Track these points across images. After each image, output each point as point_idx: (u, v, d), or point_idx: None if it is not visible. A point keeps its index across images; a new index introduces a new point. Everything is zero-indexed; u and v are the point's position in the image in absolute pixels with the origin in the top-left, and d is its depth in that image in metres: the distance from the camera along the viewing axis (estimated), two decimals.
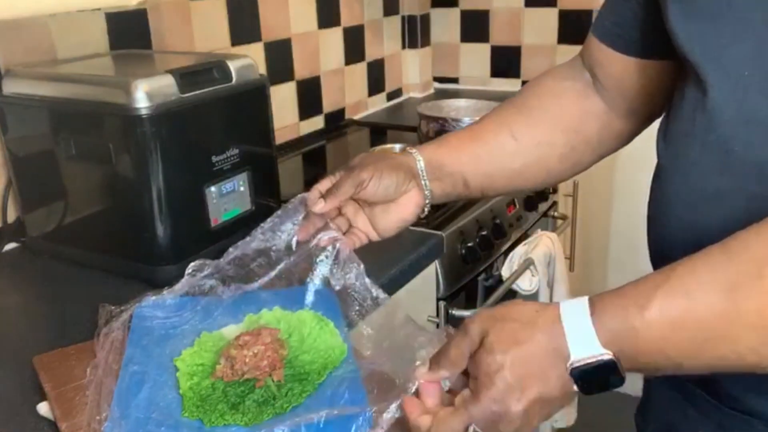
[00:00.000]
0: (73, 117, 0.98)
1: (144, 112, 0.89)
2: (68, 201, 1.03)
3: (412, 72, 2.23)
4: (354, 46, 1.95)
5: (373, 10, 2.01)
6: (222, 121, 1.01)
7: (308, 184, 1.53)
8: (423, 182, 0.80)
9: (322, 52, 1.83)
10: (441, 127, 1.58)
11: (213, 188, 1.00)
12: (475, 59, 2.22)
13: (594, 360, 0.52)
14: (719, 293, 0.49)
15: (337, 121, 1.92)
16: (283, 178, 1.17)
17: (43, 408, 0.70)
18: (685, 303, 0.50)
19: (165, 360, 0.71)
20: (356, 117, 1.99)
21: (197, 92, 0.96)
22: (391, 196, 0.78)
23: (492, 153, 0.82)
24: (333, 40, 1.87)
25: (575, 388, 0.53)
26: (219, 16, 1.50)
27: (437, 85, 2.32)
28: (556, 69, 0.87)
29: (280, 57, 1.69)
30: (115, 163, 0.94)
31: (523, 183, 0.86)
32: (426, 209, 0.82)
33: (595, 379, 0.52)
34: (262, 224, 0.78)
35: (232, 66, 1.02)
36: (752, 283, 0.48)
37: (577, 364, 0.52)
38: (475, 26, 2.20)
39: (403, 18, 2.16)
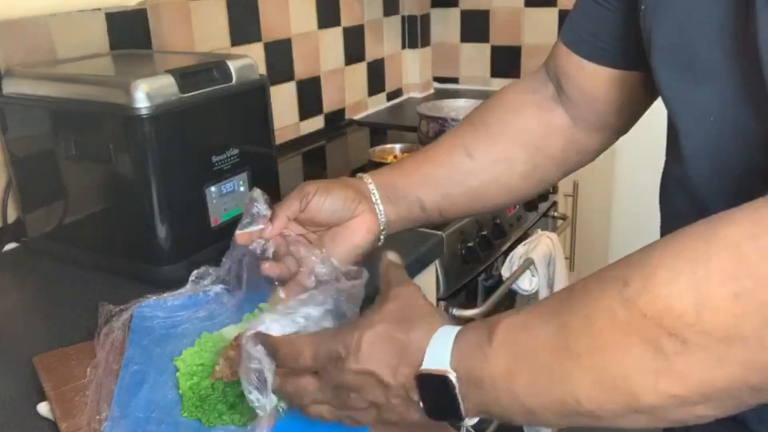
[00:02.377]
0: (73, 117, 0.98)
1: (144, 112, 0.89)
2: (68, 201, 1.03)
3: (412, 72, 2.23)
4: (354, 46, 1.95)
5: (373, 10, 2.01)
6: (222, 121, 1.01)
7: None
8: (375, 205, 0.75)
9: (322, 52, 1.83)
10: (441, 127, 1.58)
11: (213, 188, 1.00)
12: (475, 59, 2.22)
13: (438, 373, 0.50)
14: (554, 328, 0.47)
15: (337, 121, 1.92)
16: (283, 178, 1.17)
17: (43, 408, 0.70)
18: (525, 335, 0.48)
19: (165, 360, 0.71)
20: (356, 117, 1.99)
21: (197, 92, 0.96)
22: (339, 214, 0.72)
23: (447, 173, 0.78)
24: (333, 40, 1.87)
25: (416, 397, 0.51)
26: (219, 16, 1.50)
27: (437, 85, 2.32)
28: (518, 82, 0.84)
29: (280, 57, 1.69)
30: (115, 163, 0.94)
31: (485, 203, 0.82)
32: (382, 236, 0.76)
33: (434, 396, 0.50)
34: (236, 229, 0.75)
35: (232, 66, 1.02)
36: (584, 322, 0.45)
37: (422, 372, 0.50)
38: (475, 26, 2.20)
39: (403, 18, 2.16)
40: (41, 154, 1.02)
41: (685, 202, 0.63)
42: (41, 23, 1.14)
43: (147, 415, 0.64)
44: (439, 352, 0.51)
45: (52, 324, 0.90)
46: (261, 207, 0.73)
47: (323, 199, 0.72)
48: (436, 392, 0.50)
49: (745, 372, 0.41)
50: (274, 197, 1.17)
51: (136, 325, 0.77)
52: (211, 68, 1.00)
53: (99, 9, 1.22)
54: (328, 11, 1.82)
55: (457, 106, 1.77)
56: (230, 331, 0.75)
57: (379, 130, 1.90)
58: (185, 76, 0.95)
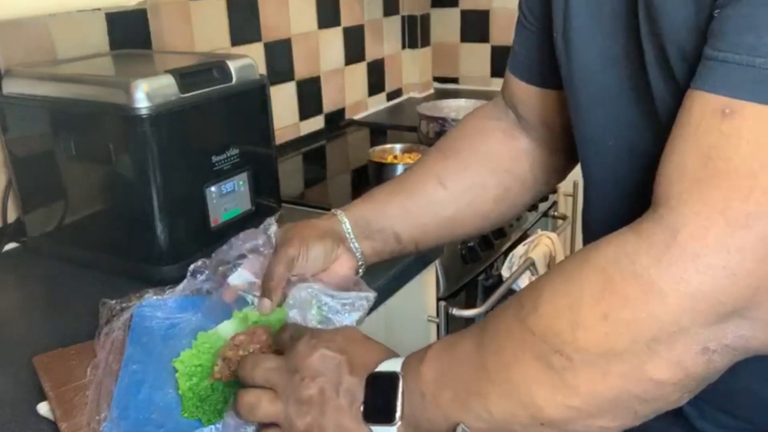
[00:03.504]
0: (73, 117, 0.98)
1: (144, 112, 0.89)
2: (68, 201, 1.03)
3: (412, 72, 2.23)
4: (354, 46, 1.95)
5: (373, 10, 2.01)
6: (222, 121, 1.01)
7: (308, 184, 1.54)
8: (352, 244, 0.77)
9: (322, 52, 1.83)
10: (441, 127, 1.58)
11: (213, 188, 1.00)
12: (475, 59, 2.22)
13: (386, 371, 0.54)
14: (473, 346, 0.51)
15: (337, 121, 1.92)
16: (283, 178, 1.17)
17: (43, 408, 0.70)
18: (451, 352, 0.53)
19: (164, 360, 0.71)
20: (356, 117, 1.99)
21: (197, 92, 0.96)
22: (321, 266, 0.75)
23: (421, 203, 0.79)
24: (333, 40, 1.87)
25: (362, 397, 0.54)
26: (219, 16, 1.50)
27: (437, 85, 2.32)
28: (481, 109, 0.86)
29: (280, 57, 1.69)
30: (115, 163, 0.94)
31: (460, 231, 0.83)
32: (360, 270, 0.78)
33: (379, 396, 0.53)
34: (238, 235, 0.77)
35: (232, 66, 1.02)
36: (493, 340, 0.50)
37: (376, 372, 0.55)
38: (475, 26, 2.20)
39: (403, 18, 2.16)
40: (41, 154, 1.02)
41: (598, 228, 0.68)
42: (41, 23, 1.14)
43: (146, 416, 0.64)
44: (392, 363, 0.55)
45: (52, 324, 0.90)
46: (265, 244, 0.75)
47: (305, 258, 0.73)
48: (381, 392, 0.54)
49: (627, 384, 0.44)
50: (274, 197, 1.17)
51: (135, 324, 0.76)
52: (211, 68, 1.00)
53: (99, 9, 1.22)
54: (328, 11, 1.82)
55: (457, 106, 1.77)
56: (225, 329, 0.74)
57: (379, 130, 1.89)
58: (185, 76, 0.95)
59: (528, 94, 0.77)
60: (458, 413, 0.50)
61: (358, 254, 0.78)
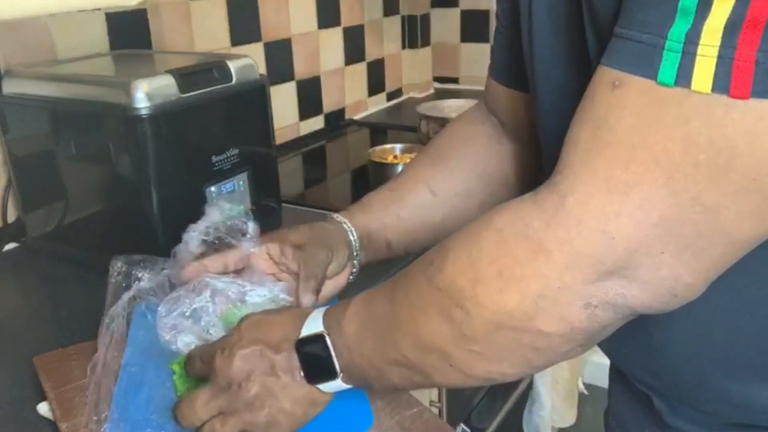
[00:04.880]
0: (73, 117, 0.98)
1: (144, 112, 0.89)
2: (68, 201, 1.03)
3: (412, 72, 2.23)
4: (354, 46, 1.95)
5: (373, 10, 2.01)
6: (222, 121, 1.01)
7: (308, 184, 1.54)
8: (354, 253, 0.80)
9: (322, 52, 1.83)
10: (441, 127, 1.58)
11: (213, 188, 1.00)
12: (475, 59, 2.22)
13: (314, 334, 0.57)
14: (387, 300, 0.55)
15: (337, 121, 1.92)
16: (283, 178, 1.17)
17: (43, 408, 0.70)
18: (369, 306, 0.57)
19: (163, 360, 0.71)
20: (356, 117, 1.99)
21: (197, 92, 0.96)
22: (341, 271, 0.78)
23: (412, 211, 0.82)
24: (333, 40, 1.87)
25: (298, 364, 0.57)
26: (219, 16, 1.50)
27: (437, 85, 2.32)
28: (465, 115, 0.87)
29: (280, 57, 1.69)
30: (115, 163, 0.94)
31: (446, 236, 0.85)
32: (352, 278, 0.81)
33: (313, 358, 0.57)
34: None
35: (232, 66, 1.02)
36: (403, 295, 0.54)
37: (302, 337, 0.58)
38: (475, 26, 2.20)
39: (403, 18, 2.16)
40: (41, 154, 1.02)
41: None
42: (41, 23, 1.14)
43: (146, 417, 0.64)
44: (313, 323, 0.59)
45: (52, 324, 0.90)
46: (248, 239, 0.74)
47: (336, 264, 0.77)
48: (314, 354, 0.57)
49: (518, 335, 0.48)
50: (274, 197, 1.17)
51: (135, 322, 0.76)
52: (211, 68, 1.00)
53: (99, 9, 1.22)
54: (328, 11, 1.82)
55: (457, 106, 1.77)
56: (216, 332, 0.74)
57: (379, 130, 1.89)
58: (185, 76, 0.95)
59: (508, 98, 0.79)
60: (381, 360, 0.55)
61: (356, 262, 0.80)
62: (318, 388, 0.58)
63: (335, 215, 0.81)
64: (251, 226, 0.75)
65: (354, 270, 0.81)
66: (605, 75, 0.44)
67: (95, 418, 0.64)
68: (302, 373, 0.58)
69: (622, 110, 0.43)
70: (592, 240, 0.44)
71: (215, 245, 0.74)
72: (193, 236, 0.74)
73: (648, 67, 0.41)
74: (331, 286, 0.78)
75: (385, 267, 0.86)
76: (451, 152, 0.83)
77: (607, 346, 0.67)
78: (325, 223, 0.79)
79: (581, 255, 0.45)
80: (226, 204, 0.75)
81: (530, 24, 0.61)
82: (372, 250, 0.81)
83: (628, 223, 0.43)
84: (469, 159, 0.82)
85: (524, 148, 0.81)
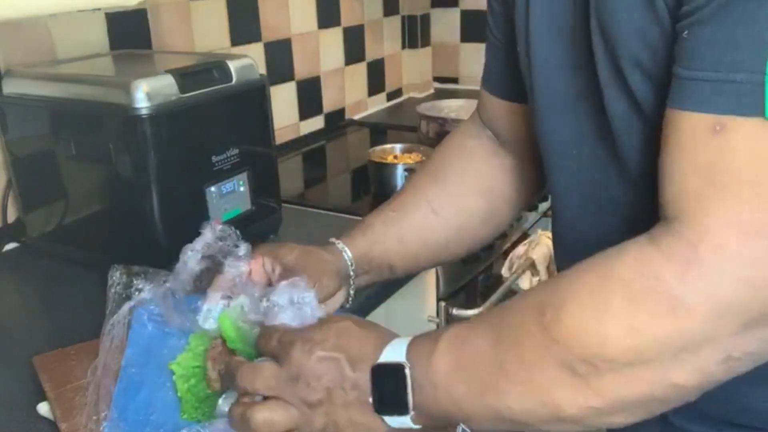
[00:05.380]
0: (73, 117, 0.98)
1: (144, 112, 0.89)
2: (68, 201, 1.03)
3: (412, 72, 2.23)
4: (354, 46, 1.95)
5: (373, 10, 2.01)
6: (222, 121, 1.01)
7: (308, 184, 1.54)
8: (350, 281, 0.77)
9: (322, 52, 1.83)
10: (441, 127, 1.58)
11: (213, 188, 1.00)
12: (475, 59, 2.22)
13: (393, 363, 0.54)
14: (489, 342, 0.51)
15: (337, 121, 1.92)
16: (283, 178, 1.17)
17: (43, 408, 0.70)
18: (465, 346, 0.53)
19: (162, 361, 0.71)
20: (356, 117, 1.99)
21: (197, 92, 0.96)
22: (322, 301, 0.74)
23: (415, 232, 0.80)
24: (333, 40, 1.87)
25: (369, 389, 0.54)
26: (219, 16, 1.50)
27: (437, 85, 2.32)
28: (461, 128, 0.87)
29: (280, 57, 1.69)
30: (115, 163, 0.94)
31: (449, 255, 0.84)
32: (349, 302, 0.79)
33: (387, 387, 0.54)
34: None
35: (232, 66, 1.01)
36: (512, 342, 0.50)
37: (379, 363, 0.55)
38: (475, 26, 2.20)
39: (403, 18, 2.16)
40: (41, 154, 1.02)
41: (567, 235, 0.70)
42: (41, 23, 1.14)
43: (146, 417, 0.64)
44: (395, 350, 0.55)
45: (52, 324, 0.90)
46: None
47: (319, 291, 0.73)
48: (389, 383, 0.54)
49: (651, 388, 0.46)
50: (274, 197, 1.17)
51: (134, 324, 0.76)
52: (211, 68, 1.00)
53: (99, 9, 1.22)
54: (328, 11, 1.82)
55: (457, 106, 1.77)
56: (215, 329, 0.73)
57: (379, 130, 1.89)
58: (185, 76, 0.95)
59: (503, 110, 0.78)
60: (473, 406, 0.51)
61: (351, 290, 0.78)
62: (381, 419, 0.55)
63: (337, 241, 0.78)
64: (243, 248, 0.74)
65: (349, 297, 0.78)
66: (699, 121, 0.44)
67: (95, 417, 0.64)
68: (371, 400, 0.54)
69: (734, 152, 0.42)
70: (734, 288, 0.42)
71: (213, 262, 0.73)
72: (191, 255, 0.73)
73: (751, 105, 0.41)
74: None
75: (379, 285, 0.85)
76: (450, 168, 0.82)
77: None
78: (322, 250, 0.76)
79: (724, 306, 0.43)
80: (218, 225, 0.75)
81: (527, 37, 0.61)
82: (374, 274, 0.80)
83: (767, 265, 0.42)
84: (469, 174, 0.82)
85: (521, 161, 0.81)
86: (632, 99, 0.53)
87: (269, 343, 0.59)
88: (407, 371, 0.53)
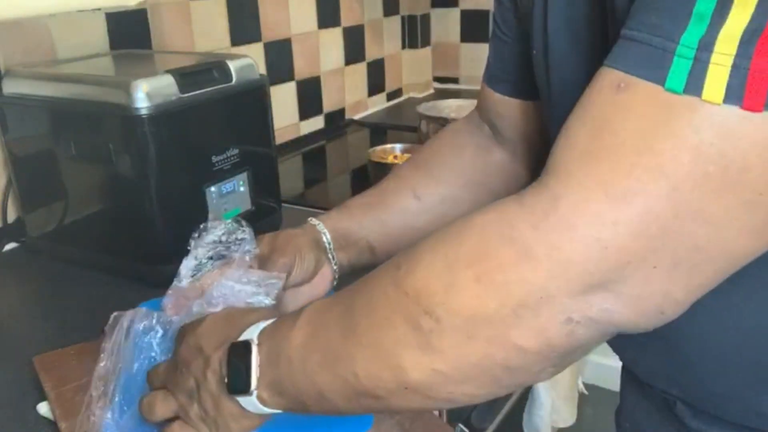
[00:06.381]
0: (73, 117, 0.98)
1: (144, 112, 0.89)
2: (68, 201, 1.03)
3: (412, 72, 2.23)
4: (354, 46, 1.95)
5: (373, 10, 2.01)
6: (222, 121, 1.01)
7: (308, 184, 1.54)
8: (330, 255, 0.77)
9: (322, 52, 1.83)
10: (441, 127, 1.58)
11: (213, 188, 1.00)
12: (475, 59, 2.22)
13: (241, 340, 0.53)
14: (344, 307, 0.50)
15: (337, 121, 1.92)
16: (283, 178, 1.17)
17: (43, 408, 0.70)
18: (322, 316, 0.51)
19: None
20: (356, 117, 1.99)
21: (197, 92, 0.96)
22: (310, 277, 0.74)
23: (396, 215, 0.79)
24: (333, 40, 1.87)
25: (225, 370, 0.53)
26: (219, 16, 1.50)
27: (437, 85, 2.32)
28: (455, 125, 0.86)
29: (280, 57, 1.69)
30: (115, 163, 0.94)
31: None
32: (335, 282, 0.79)
33: (236, 367, 0.52)
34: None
35: (232, 66, 1.02)
36: (365, 302, 0.49)
37: (231, 342, 0.54)
38: (475, 26, 2.20)
39: (403, 18, 2.16)
40: (41, 154, 1.02)
41: None
42: (41, 23, 1.14)
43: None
44: (256, 328, 0.54)
45: (52, 324, 0.90)
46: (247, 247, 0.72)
47: (300, 268, 0.73)
48: (237, 363, 0.52)
49: (491, 348, 0.44)
50: (274, 197, 1.17)
51: (134, 325, 0.76)
52: (211, 68, 1.00)
53: (99, 9, 1.22)
54: (328, 11, 1.82)
55: (457, 106, 1.77)
56: None
57: (379, 130, 1.89)
58: (185, 76, 0.95)
59: (504, 107, 0.77)
60: (325, 379, 0.49)
61: (334, 266, 0.78)
62: (240, 405, 0.53)
63: (310, 219, 0.78)
64: (248, 232, 0.73)
65: (335, 274, 0.78)
66: (609, 76, 0.42)
67: (93, 418, 0.64)
68: (226, 381, 0.53)
69: (627, 113, 0.41)
70: (583, 248, 0.41)
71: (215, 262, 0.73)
72: (183, 275, 0.73)
73: (656, 71, 0.40)
74: (308, 293, 0.75)
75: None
76: (438, 159, 0.82)
77: (630, 357, 0.67)
78: (293, 229, 0.76)
79: (570, 263, 0.41)
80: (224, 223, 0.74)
81: (545, 41, 0.60)
82: (353, 252, 0.78)
83: (625, 232, 0.40)
84: (455, 167, 0.81)
85: (515, 160, 0.80)
86: None
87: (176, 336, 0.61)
88: (253, 347, 0.52)
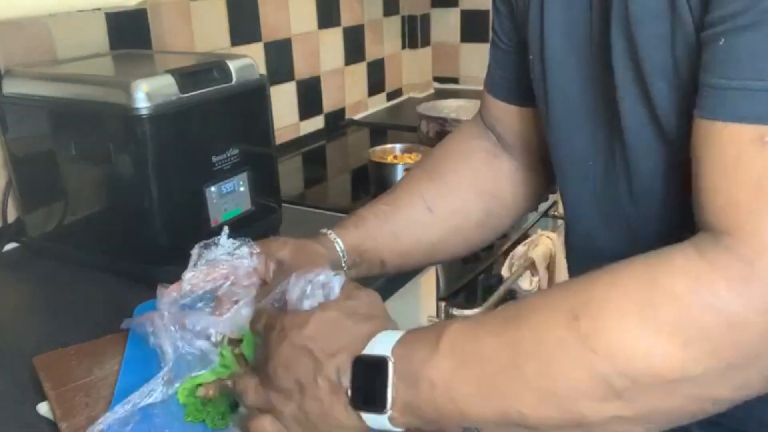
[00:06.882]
0: (73, 117, 0.98)
1: (144, 112, 0.89)
2: (68, 201, 1.03)
3: (412, 72, 2.23)
4: (354, 46, 1.95)
5: (373, 10, 2.01)
6: (222, 121, 1.01)
7: (308, 184, 1.54)
8: (343, 270, 0.76)
9: (322, 52, 1.83)
10: (441, 127, 1.58)
11: (213, 188, 1.00)
12: (475, 59, 2.22)
13: (376, 356, 0.51)
14: (504, 342, 0.49)
15: (337, 121, 1.92)
16: (283, 178, 1.17)
17: (43, 408, 0.70)
18: (473, 346, 0.50)
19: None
20: (356, 117, 1.99)
21: (197, 92, 0.96)
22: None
23: (409, 229, 0.79)
24: (333, 40, 1.87)
25: (347, 382, 0.51)
26: (219, 16, 1.50)
27: (437, 85, 2.32)
28: (463, 129, 0.86)
29: (280, 57, 1.69)
30: (115, 163, 0.94)
31: (442, 255, 0.84)
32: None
33: (366, 381, 0.51)
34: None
35: (232, 66, 1.01)
36: (533, 346, 0.48)
37: (361, 356, 0.52)
38: (475, 26, 2.20)
39: (403, 18, 2.16)
40: (41, 154, 1.02)
41: (580, 244, 0.70)
42: (41, 23, 1.14)
43: (150, 419, 0.64)
44: (382, 343, 0.52)
45: (52, 324, 0.90)
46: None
47: None
48: (368, 377, 0.51)
49: (687, 402, 0.45)
50: (274, 197, 1.17)
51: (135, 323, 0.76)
52: (211, 68, 1.00)
53: (99, 9, 1.22)
54: (328, 11, 1.82)
55: (457, 106, 1.77)
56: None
57: (379, 130, 1.89)
58: (185, 76, 0.95)
59: (506, 114, 0.78)
60: (477, 409, 0.49)
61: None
62: (358, 416, 0.51)
63: (328, 232, 0.78)
64: (248, 248, 0.73)
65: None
66: (744, 132, 0.43)
67: (99, 420, 0.64)
68: (348, 393, 0.51)
69: None
70: None
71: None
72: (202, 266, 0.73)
73: None
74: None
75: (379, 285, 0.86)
76: (449, 167, 0.81)
77: None
78: (316, 243, 0.76)
79: None
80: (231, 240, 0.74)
81: (542, 44, 0.60)
82: (364, 268, 0.79)
83: None
84: (466, 175, 0.81)
85: (522, 166, 0.81)
86: (651, 111, 0.52)
87: (256, 326, 0.59)
88: (390, 366, 0.50)
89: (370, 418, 0.51)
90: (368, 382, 0.51)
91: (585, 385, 0.45)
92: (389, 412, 0.50)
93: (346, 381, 0.52)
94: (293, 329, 0.54)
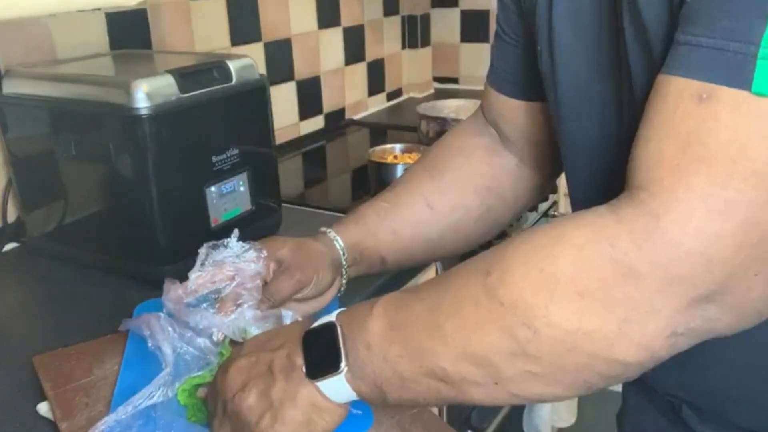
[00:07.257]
0: (73, 117, 0.98)
1: (144, 112, 0.89)
2: (68, 201, 1.03)
3: (412, 72, 2.23)
4: (354, 46, 1.95)
5: (373, 10, 2.01)
6: (222, 121, 1.01)
7: (308, 184, 1.54)
8: (343, 268, 0.78)
9: (322, 52, 1.83)
10: (441, 127, 1.58)
11: (213, 188, 1.00)
12: (475, 59, 2.22)
13: (323, 324, 0.55)
14: (428, 304, 0.51)
15: (337, 121, 1.92)
16: (283, 178, 1.17)
17: (43, 408, 0.70)
18: (403, 309, 0.52)
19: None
20: (356, 117, 1.99)
21: (197, 92, 0.96)
22: (322, 293, 0.76)
23: (409, 226, 0.80)
24: (333, 40, 1.87)
25: (300, 359, 0.54)
26: (219, 16, 1.50)
27: (437, 85, 2.32)
28: (462, 126, 0.86)
29: (280, 57, 1.69)
30: (115, 163, 0.94)
31: (441, 252, 0.84)
32: (340, 292, 0.80)
33: (318, 350, 0.54)
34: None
35: (232, 66, 1.01)
36: (452, 304, 0.49)
37: (309, 329, 0.55)
38: (475, 26, 2.20)
39: (403, 18, 2.16)
40: (41, 154, 1.02)
41: None
42: (41, 23, 1.14)
43: (151, 420, 0.64)
44: (326, 317, 0.56)
45: (52, 324, 0.90)
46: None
47: (316, 288, 0.75)
48: (319, 346, 0.54)
49: (591, 361, 0.45)
50: (274, 197, 1.17)
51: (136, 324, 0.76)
52: (211, 68, 1.00)
53: (99, 9, 1.22)
54: (328, 11, 1.82)
55: (457, 106, 1.77)
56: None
57: (379, 130, 1.89)
58: (185, 76, 0.95)
59: (509, 108, 0.77)
60: (407, 367, 0.51)
61: (344, 280, 0.79)
62: (320, 392, 0.53)
63: (328, 230, 0.79)
64: (255, 252, 0.74)
65: (341, 286, 0.79)
66: (685, 87, 0.42)
67: (100, 421, 0.64)
68: (304, 368, 0.53)
69: (715, 123, 0.41)
70: (689, 264, 0.41)
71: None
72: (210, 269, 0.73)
73: (739, 77, 0.40)
74: (313, 303, 0.76)
75: (369, 277, 0.86)
76: (448, 164, 0.82)
77: None
78: (316, 242, 0.77)
79: (676, 279, 0.42)
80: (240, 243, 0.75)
81: (550, 35, 0.60)
82: (364, 265, 0.79)
83: (729, 244, 0.41)
84: (465, 172, 0.81)
85: (523, 162, 0.80)
86: None
87: (208, 405, 0.62)
88: (338, 328, 0.53)
89: (329, 388, 0.53)
90: (320, 350, 0.54)
91: (494, 338, 0.47)
92: (344, 370, 0.52)
93: (299, 360, 0.54)
94: (233, 359, 0.58)
